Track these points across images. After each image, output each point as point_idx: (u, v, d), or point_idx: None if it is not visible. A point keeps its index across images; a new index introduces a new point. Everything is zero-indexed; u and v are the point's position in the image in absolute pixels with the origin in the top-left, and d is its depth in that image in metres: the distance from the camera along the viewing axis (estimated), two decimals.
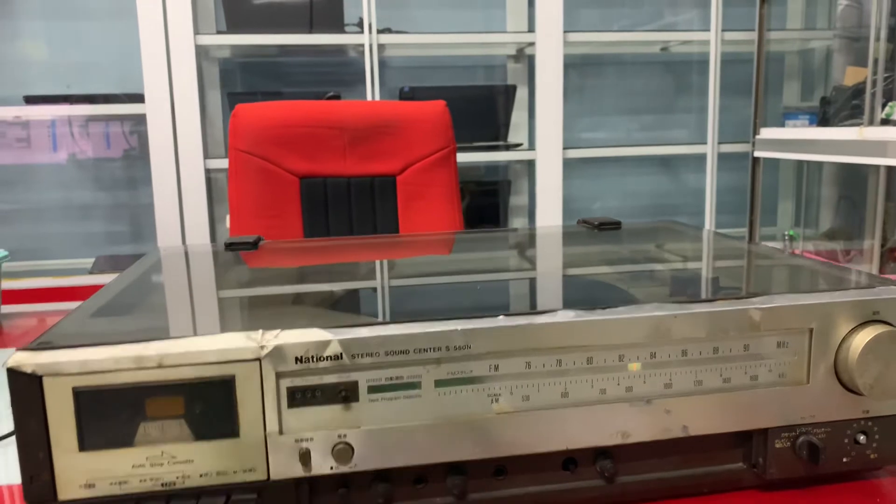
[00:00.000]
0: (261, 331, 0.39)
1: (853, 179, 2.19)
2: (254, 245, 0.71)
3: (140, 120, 1.98)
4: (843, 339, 0.44)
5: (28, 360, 0.37)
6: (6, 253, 0.96)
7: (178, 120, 1.88)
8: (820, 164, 2.25)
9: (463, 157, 1.75)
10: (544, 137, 1.98)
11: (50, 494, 0.38)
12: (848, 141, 1.50)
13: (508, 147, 2.07)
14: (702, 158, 2.14)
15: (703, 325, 0.43)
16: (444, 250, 0.70)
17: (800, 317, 0.44)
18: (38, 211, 2.28)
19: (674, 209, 2.39)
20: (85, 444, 0.38)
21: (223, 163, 1.90)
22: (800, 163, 2.35)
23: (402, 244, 0.73)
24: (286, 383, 0.40)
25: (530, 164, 2.10)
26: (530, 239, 0.73)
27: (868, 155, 1.43)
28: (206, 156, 1.91)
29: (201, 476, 0.39)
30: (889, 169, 1.60)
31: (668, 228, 0.76)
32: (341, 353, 0.39)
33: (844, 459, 0.46)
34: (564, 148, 2.00)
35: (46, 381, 0.37)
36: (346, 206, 1.30)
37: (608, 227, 0.75)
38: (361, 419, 0.41)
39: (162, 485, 0.39)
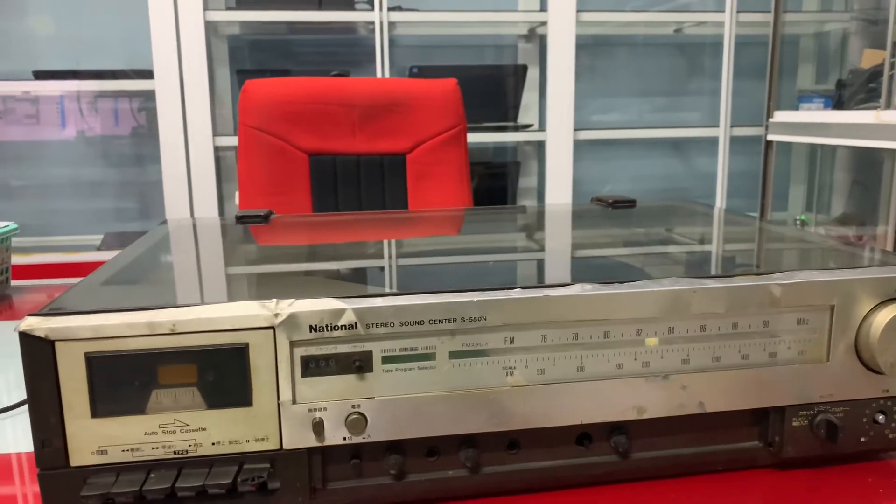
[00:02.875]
0: (275, 299, 0.39)
1: (867, 164, 2.17)
2: (265, 218, 0.70)
3: (149, 96, 1.98)
4: (865, 317, 0.43)
5: (40, 325, 0.37)
6: (15, 226, 0.96)
7: (186, 96, 1.87)
8: (833, 149, 2.23)
9: (472, 138, 1.74)
10: (555, 118, 1.97)
11: (62, 460, 0.38)
12: (864, 125, 1.49)
13: (518, 128, 2.05)
14: (714, 142, 2.12)
15: (723, 300, 0.42)
16: (455, 226, 0.69)
17: (821, 293, 0.43)
18: (47, 187, 2.28)
19: (685, 192, 2.37)
20: (97, 410, 0.38)
21: (232, 140, 1.89)
22: (812, 147, 2.32)
23: (413, 220, 0.72)
24: (300, 352, 0.39)
25: (540, 146, 2.09)
26: (542, 216, 0.72)
27: (884, 139, 1.41)
28: (215, 133, 1.90)
29: (214, 445, 0.39)
30: None
31: (683, 207, 0.75)
32: (356, 323, 0.39)
33: (862, 439, 0.45)
34: (575, 129, 1.98)
35: (59, 346, 0.37)
36: (356, 184, 1.30)
37: (623, 206, 0.74)
38: (375, 389, 0.40)
39: (174, 452, 0.39)
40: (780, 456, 0.45)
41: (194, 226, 0.68)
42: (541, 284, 0.41)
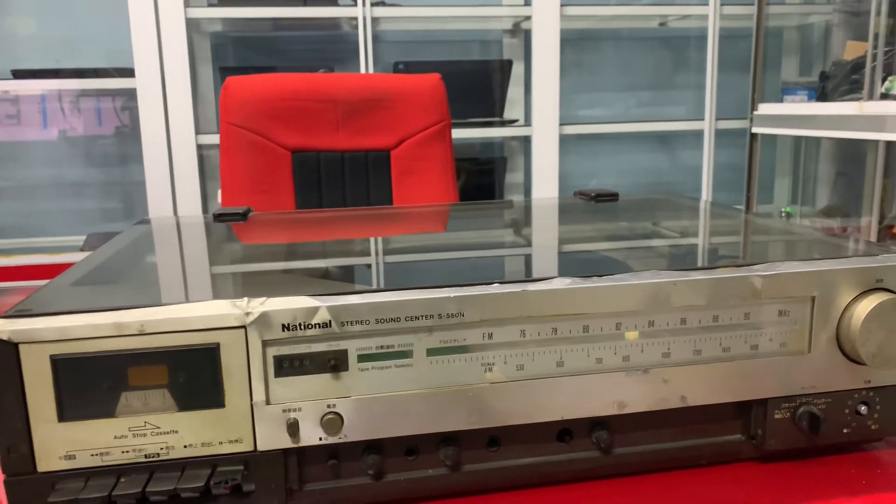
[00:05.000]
0: (246, 298, 0.38)
1: (851, 156, 2.18)
2: (243, 216, 0.69)
3: (132, 95, 1.95)
4: (846, 308, 0.43)
5: (3, 328, 0.36)
6: None
7: (168, 95, 1.85)
8: (817, 141, 2.24)
9: (457, 134, 1.73)
10: (540, 113, 1.96)
11: (29, 466, 0.37)
12: (847, 116, 1.49)
13: (504, 123, 2.05)
14: (699, 135, 2.13)
15: (703, 292, 0.42)
16: (437, 221, 0.68)
17: (802, 285, 0.43)
18: (30, 188, 2.25)
19: (671, 186, 2.37)
20: (64, 414, 0.37)
21: (215, 138, 1.88)
22: (797, 139, 2.33)
23: (394, 216, 0.71)
24: (273, 352, 0.38)
25: (526, 141, 2.09)
26: (525, 211, 0.72)
27: (867, 130, 1.42)
28: (198, 131, 1.89)
29: (186, 447, 0.38)
30: (888, 144, 1.58)
31: (666, 200, 0.74)
32: (330, 321, 0.38)
33: (845, 430, 0.45)
34: (561, 124, 1.97)
35: (23, 349, 0.36)
36: (340, 180, 1.29)
37: (605, 199, 0.74)
38: (351, 388, 0.39)
39: (145, 456, 0.38)
40: (763, 448, 0.45)
41: (173, 224, 0.67)
42: (519, 279, 0.41)
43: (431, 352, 0.40)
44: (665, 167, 2.38)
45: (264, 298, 0.38)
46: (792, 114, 1.75)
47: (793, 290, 0.43)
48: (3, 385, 0.36)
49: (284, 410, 0.39)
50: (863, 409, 0.45)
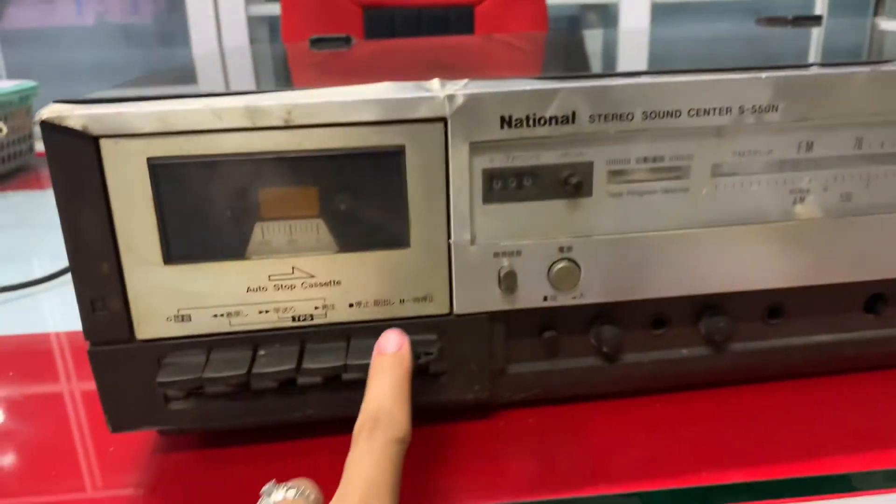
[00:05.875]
0: (437, 79, 0.24)
1: None
2: (346, 42, 0.54)
3: None
4: None
5: (75, 112, 0.22)
6: (34, 84, 0.81)
7: None
8: None
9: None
10: None
11: (123, 329, 0.24)
12: None
13: None
14: (807, 4, 1.88)
15: None
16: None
17: None
18: (69, 72, 2.12)
19: None
20: (172, 253, 0.24)
21: (272, 8, 1.69)
22: None
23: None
24: (483, 162, 0.25)
25: (605, 11, 1.87)
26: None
27: None
28: (250, 1, 1.71)
29: (351, 307, 0.25)
30: None
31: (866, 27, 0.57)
32: (573, 113, 0.24)
33: None
34: None
35: (105, 146, 0.23)
36: None
37: (807, 23, 0.57)
38: (595, 223, 0.26)
39: (293, 318, 0.25)
40: None
41: (257, 50, 0.53)
42: (867, 61, 0.26)
43: (718, 170, 0.26)
44: None
45: (467, 80, 0.24)
46: None
47: None
48: (77, 203, 0.23)
49: (497, 255, 0.25)
50: None
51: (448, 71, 0.27)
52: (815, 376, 0.31)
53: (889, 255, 0.27)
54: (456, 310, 0.26)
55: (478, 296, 0.26)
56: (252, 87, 0.25)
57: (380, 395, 0.22)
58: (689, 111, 0.25)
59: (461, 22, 1.12)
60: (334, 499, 0.20)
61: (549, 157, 0.25)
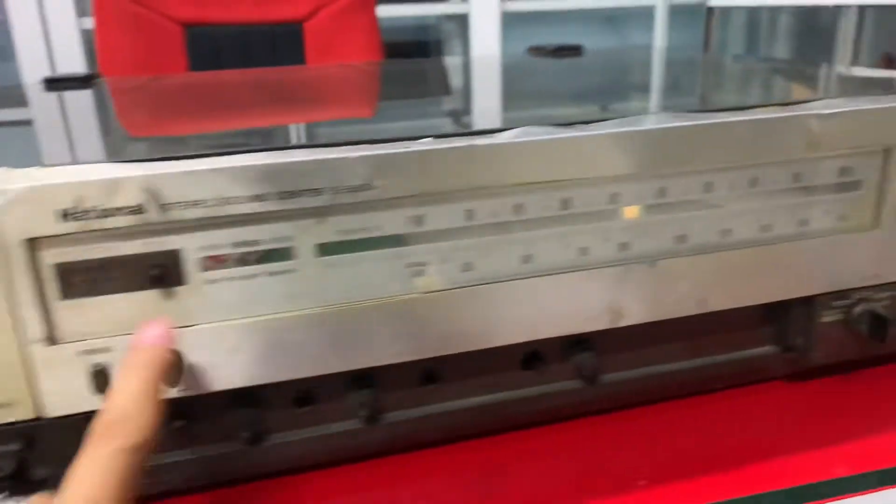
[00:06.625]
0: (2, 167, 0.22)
1: (808, 36, 2.06)
2: (85, 82, 0.51)
3: None
4: None
5: None
6: None
7: None
8: (777, 19, 2.11)
9: (384, 12, 1.52)
10: None
11: None
12: None
13: None
14: (650, 13, 1.96)
15: (737, 143, 0.28)
16: (353, 82, 0.52)
17: (875, 129, 0.29)
18: None
19: None
20: None
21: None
22: (754, 19, 2.20)
23: (294, 77, 0.54)
24: (53, 257, 0.23)
25: (463, 21, 1.88)
26: (468, 68, 0.56)
27: None
28: (81, 13, 1.61)
29: None
30: (860, 18, 1.46)
31: (641, 54, 0.60)
32: (145, 202, 0.23)
33: None
34: (502, 0, 1.78)
35: None
36: (244, 61, 1.08)
37: (567, 54, 0.58)
38: (194, 312, 0.24)
39: None
40: (804, 363, 0.32)
41: None
42: (463, 132, 0.26)
43: (325, 249, 0.25)
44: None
45: (33, 168, 0.22)
46: None
47: (862, 137, 0.29)
48: None
49: (84, 352, 0.24)
50: None
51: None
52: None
53: (515, 318, 0.27)
54: (46, 413, 0.24)
55: (68, 397, 0.24)
56: None
57: (122, 395, 0.21)
58: (278, 193, 0.24)
59: (290, 39, 1.10)
60: None
61: (129, 248, 0.23)
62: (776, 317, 0.32)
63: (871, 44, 1.57)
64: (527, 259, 0.27)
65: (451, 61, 0.67)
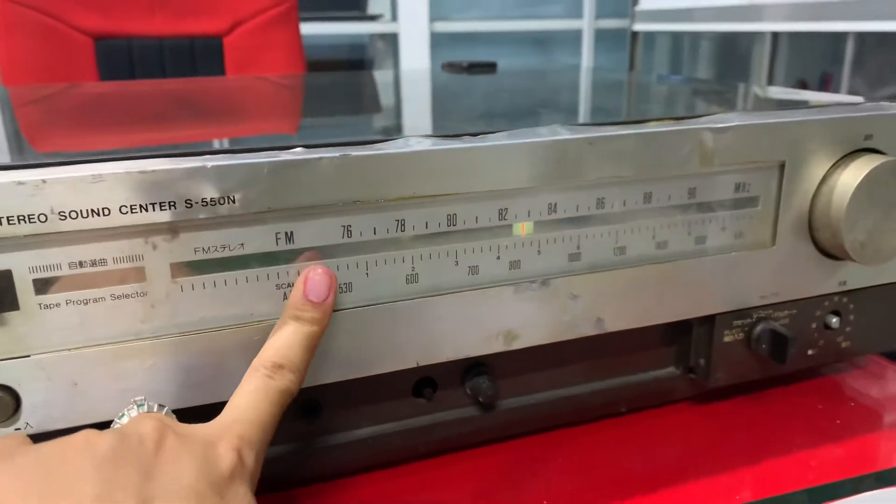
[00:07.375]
0: None
1: (729, 60, 2.13)
2: None
3: None
4: (826, 178, 0.29)
5: None
6: None
7: None
8: (698, 44, 2.18)
9: (312, 29, 1.50)
10: (409, 7, 1.75)
11: None
12: (730, 7, 1.40)
13: (366, 18, 1.82)
14: (578, 36, 2.00)
15: (631, 157, 0.27)
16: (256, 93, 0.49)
17: (769, 143, 0.28)
18: None
19: None
20: None
21: None
22: (677, 43, 2.27)
23: (204, 89, 0.51)
24: None
25: (393, 40, 1.88)
26: (373, 81, 0.54)
27: (751, 20, 1.33)
28: None
29: None
30: (773, 44, 1.52)
31: (553, 69, 0.59)
32: None
33: (809, 352, 0.33)
34: (431, 21, 1.78)
35: None
36: (159, 77, 1.04)
37: (481, 70, 0.57)
38: (33, 341, 0.22)
39: None
40: (706, 384, 0.31)
41: None
42: (338, 141, 0.24)
43: (181, 269, 0.22)
44: None
45: None
46: (675, 7, 1.65)
47: (756, 151, 0.28)
48: None
49: None
50: (833, 321, 0.32)
51: None
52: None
53: (403, 342, 0.26)
54: None
55: None
56: None
57: (292, 343, 0.22)
58: (120, 207, 0.21)
59: (209, 53, 1.06)
60: (212, 421, 0.20)
61: None
62: (678, 337, 0.31)
63: (786, 68, 1.64)
64: (412, 278, 0.25)
65: (361, 74, 0.65)
